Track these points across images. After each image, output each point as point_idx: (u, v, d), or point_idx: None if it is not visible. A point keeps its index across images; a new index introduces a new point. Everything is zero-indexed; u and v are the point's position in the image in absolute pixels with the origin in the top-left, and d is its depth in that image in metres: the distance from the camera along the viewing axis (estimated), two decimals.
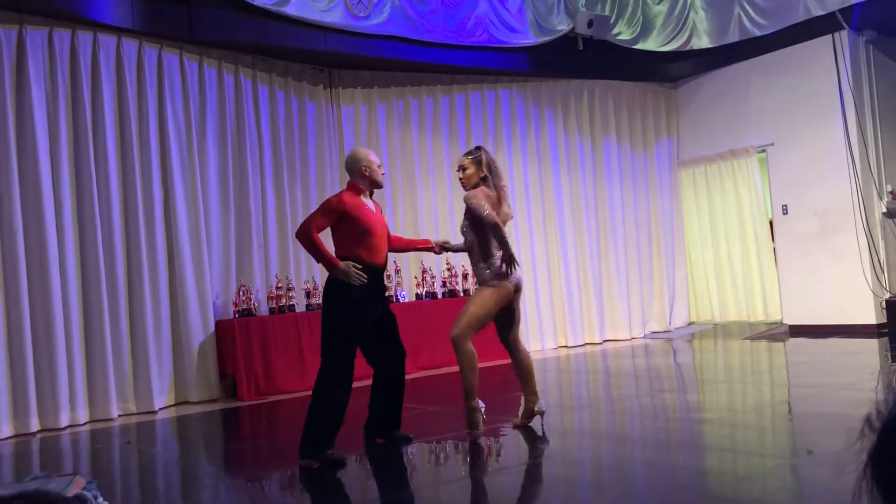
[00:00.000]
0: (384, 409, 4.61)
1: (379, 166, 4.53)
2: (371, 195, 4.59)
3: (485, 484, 3.92)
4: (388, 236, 4.65)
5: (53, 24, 6.60)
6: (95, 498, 2.46)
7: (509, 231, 9.36)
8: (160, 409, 6.84)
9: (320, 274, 6.97)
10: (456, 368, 8.05)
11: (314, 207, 5.90)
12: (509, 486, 3.86)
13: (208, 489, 4.29)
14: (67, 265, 6.47)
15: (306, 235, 4.30)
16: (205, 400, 7.14)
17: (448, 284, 8.60)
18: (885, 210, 8.75)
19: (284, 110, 8.17)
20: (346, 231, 4.36)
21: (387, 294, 4.78)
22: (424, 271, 8.51)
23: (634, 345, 9.50)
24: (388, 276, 8.20)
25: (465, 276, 8.73)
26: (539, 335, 9.47)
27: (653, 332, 10.21)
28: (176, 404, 7.06)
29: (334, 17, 7.68)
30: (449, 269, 8.66)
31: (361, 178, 4.47)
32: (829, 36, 8.79)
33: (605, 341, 9.85)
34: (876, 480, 0.81)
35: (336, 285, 4.31)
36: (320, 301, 5.13)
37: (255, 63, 7.97)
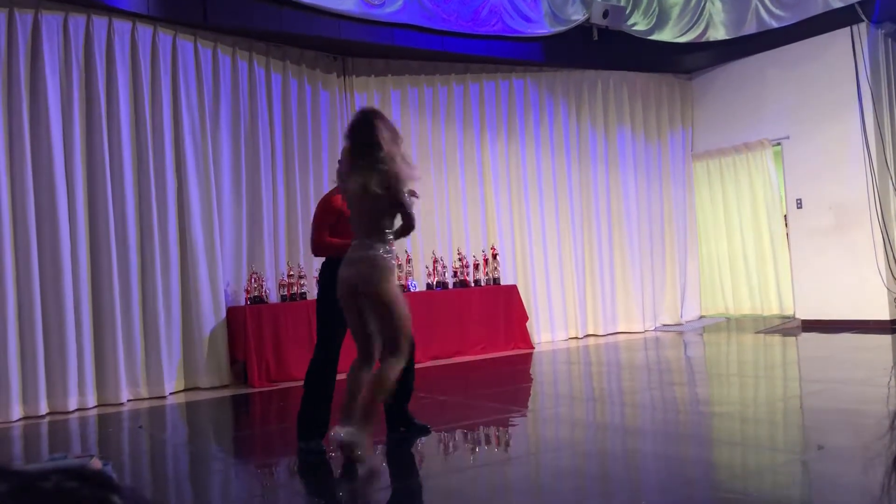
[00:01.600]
0: (391, 401, 4.61)
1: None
2: None
3: (494, 474, 3.93)
4: None
5: (69, 9, 6.61)
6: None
7: (523, 222, 9.40)
8: (170, 394, 6.89)
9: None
10: (464, 359, 8.09)
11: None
12: (518, 477, 3.87)
13: (219, 474, 4.32)
14: (79, 250, 6.51)
15: (321, 246, 4.36)
16: (215, 386, 7.18)
17: (459, 275, 8.59)
18: None
19: (298, 98, 8.17)
20: (339, 228, 4.38)
21: None
22: (436, 261, 8.51)
23: (646, 337, 9.48)
24: (400, 266, 8.21)
25: (476, 267, 8.72)
26: (550, 326, 9.47)
27: (664, 325, 10.18)
28: (185, 390, 7.11)
29: (348, 5, 7.66)
30: (461, 260, 8.66)
31: None
32: (847, 28, 8.70)
33: (616, 333, 9.83)
34: None
35: (323, 275, 4.38)
36: None
37: (269, 50, 7.97)
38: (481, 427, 4.93)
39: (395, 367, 3.79)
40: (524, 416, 5.39)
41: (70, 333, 6.36)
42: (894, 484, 0.80)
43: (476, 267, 8.72)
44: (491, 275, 8.76)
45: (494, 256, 8.84)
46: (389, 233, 3.89)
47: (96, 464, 2.45)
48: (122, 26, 6.91)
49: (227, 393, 6.95)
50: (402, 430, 4.61)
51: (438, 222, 8.93)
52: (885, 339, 7.92)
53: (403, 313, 3.83)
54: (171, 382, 6.97)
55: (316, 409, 4.30)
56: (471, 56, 8.90)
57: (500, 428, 4.87)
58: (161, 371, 6.86)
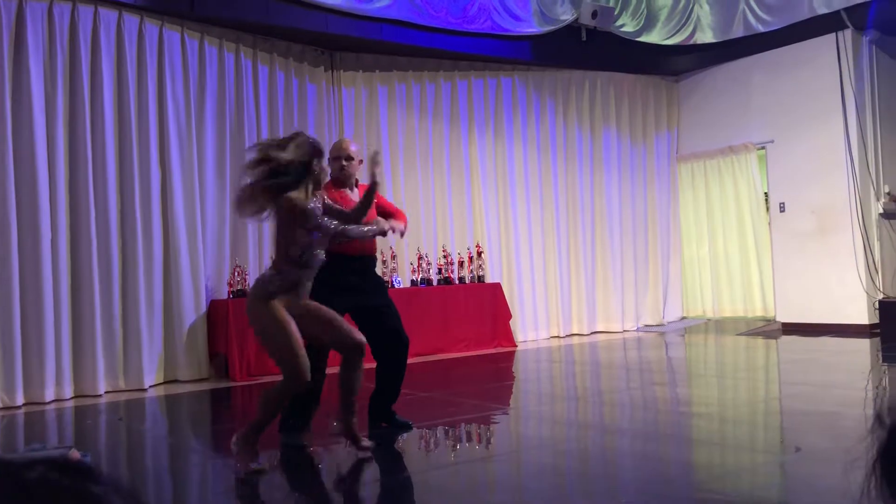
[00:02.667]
0: (378, 398, 4.61)
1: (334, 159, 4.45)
2: (350, 188, 4.52)
3: (474, 471, 3.93)
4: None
5: None
6: None
7: (508, 221, 9.41)
8: (150, 386, 6.84)
9: None
10: (448, 356, 8.09)
11: None
12: (499, 474, 3.87)
13: (198, 467, 4.30)
14: (59, 240, 6.43)
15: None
16: (195, 379, 7.14)
17: (444, 272, 8.59)
18: (881, 211, 8.75)
19: (284, 91, 8.13)
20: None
21: (380, 285, 4.65)
22: (420, 258, 8.50)
23: (627, 337, 9.52)
24: (385, 262, 8.20)
25: (460, 264, 8.72)
26: (533, 325, 9.49)
27: (646, 325, 10.23)
28: (165, 382, 7.05)
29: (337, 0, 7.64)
30: (445, 257, 8.65)
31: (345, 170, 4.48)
32: (833, 35, 8.77)
33: (598, 333, 9.87)
34: (884, 476, 0.81)
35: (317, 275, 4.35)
36: None
37: (257, 43, 7.92)
38: (463, 424, 4.93)
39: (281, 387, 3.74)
40: (506, 413, 5.40)
41: (48, 323, 6.30)
42: (874, 487, 0.82)
43: (461, 264, 8.72)
44: (476, 272, 8.77)
45: (479, 254, 8.85)
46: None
47: (75, 455, 2.43)
48: (107, 15, 6.84)
49: (207, 386, 6.92)
50: (383, 426, 4.61)
51: (424, 219, 8.92)
52: (864, 342, 8.00)
53: (278, 341, 3.69)
54: (151, 375, 6.92)
55: (298, 404, 4.29)
56: (459, 53, 8.89)
57: (482, 425, 4.88)
58: (141, 363, 6.80)
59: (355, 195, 4.48)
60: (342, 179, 4.46)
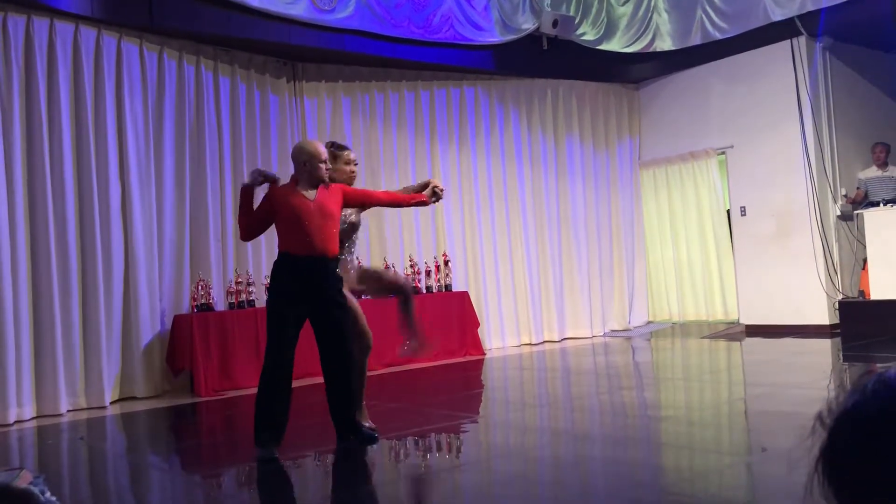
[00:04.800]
0: (334, 412, 4.53)
1: (322, 162, 4.44)
2: (315, 187, 4.47)
3: (445, 480, 3.92)
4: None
5: (8, 9, 6.42)
6: (42, 493, 2.39)
7: (474, 229, 9.44)
8: (110, 403, 6.70)
9: None
10: (416, 365, 8.07)
11: None
12: (468, 483, 3.86)
13: (160, 485, 4.22)
14: (18, 258, 6.29)
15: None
16: (157, 395, 7.03)
17: (411, 281, 8.55)
18: (839, 213, 8.93)
19: (246, 103, 8.06)
20: (278, 222, 4.37)
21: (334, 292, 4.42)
22: (388, 267, 8.46)
23: (594, 343, 9.58)
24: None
25: (427, 273, 8.71)
26: (500, 332, 9.50)
27: (612, 331, 10.31)
28: (125, 399, 6.91)
29: (298, 10, 7.60)
30: (412, 266, 8.63)
31: (301, 171, 4.42)
32: (788, 41, 8.95)
33: (565, 339, 9.91)
34: (826, 475, 0.83)
35: (272, 278, 4.39)
36: None
37: (217, 54, 7.85)
38: (432, 434, 4.91)
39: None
40: (475, 422, 5.40)
41: (9, 345, 6.14)
42: (818, 482, 0.83)
43: (428, 273, 8.71)
44: (443, 281, 8.76)
45: (446, 263, 8.85)
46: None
47: (26, 477, 2.36)
48: (64, 28, 6.73)
49: (171, 402, 6.80)
50: (351, 439, 4.56)
51: (389, 229, 8.90)
52: (825, 342, 8.14)
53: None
54: (111, 392, 6.78)
55: (268, 416, 4.22)
56: (422, 63, 8.90)
57: (451, 434, 4.86)
58: (101, 381, 6.67)
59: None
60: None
